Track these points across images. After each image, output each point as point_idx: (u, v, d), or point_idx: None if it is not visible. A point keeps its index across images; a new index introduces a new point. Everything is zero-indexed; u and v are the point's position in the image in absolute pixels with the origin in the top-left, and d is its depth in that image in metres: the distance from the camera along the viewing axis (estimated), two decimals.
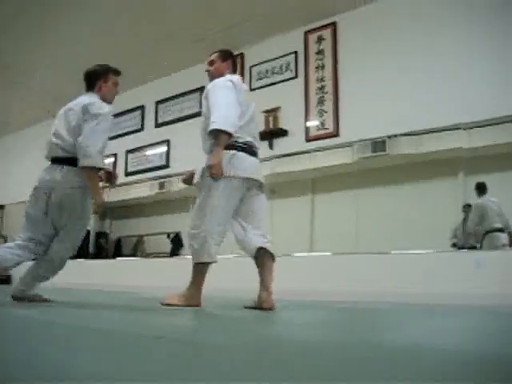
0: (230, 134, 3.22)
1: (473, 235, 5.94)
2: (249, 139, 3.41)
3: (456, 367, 1.27)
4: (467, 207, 5.97)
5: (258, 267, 3.41)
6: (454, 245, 5.98)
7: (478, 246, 5.83)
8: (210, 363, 1.26)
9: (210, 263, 3.32)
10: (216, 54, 3.73)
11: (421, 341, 1.86)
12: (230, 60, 3.77)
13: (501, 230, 5.67)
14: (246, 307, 3.44)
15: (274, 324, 2.70)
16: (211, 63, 3.71)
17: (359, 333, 2.20)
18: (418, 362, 1.34)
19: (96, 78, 3.61)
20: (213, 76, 3.64)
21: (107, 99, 3.58)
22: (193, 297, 3.31)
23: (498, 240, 5.62)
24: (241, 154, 3.34)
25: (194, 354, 1.43)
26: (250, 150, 3.40)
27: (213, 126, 3.21)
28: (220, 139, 3.21)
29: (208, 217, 3.29)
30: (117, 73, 3.73)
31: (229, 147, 3.30)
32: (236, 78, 3.56)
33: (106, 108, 3.45)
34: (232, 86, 3.38)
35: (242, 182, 3.34)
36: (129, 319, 2.63)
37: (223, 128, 3.19)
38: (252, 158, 3.41)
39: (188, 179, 3.65)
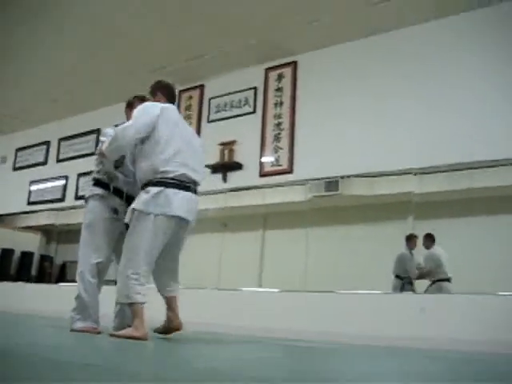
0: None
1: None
2: (182, 172, 3.32)
3: None
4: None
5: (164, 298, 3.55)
6: (397, 276, 6.10)
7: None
8: None
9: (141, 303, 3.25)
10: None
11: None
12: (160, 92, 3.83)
13: (449, 280, 5.81)
14: (154, 331, 3.51)
15: (207, 358, 2.64)
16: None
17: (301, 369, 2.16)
18: None
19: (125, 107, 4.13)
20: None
21: None
22: (137, 329, 3.21)
23: (447, 290, 5.75)
24: (169, 190, 3.25)
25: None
26: (181, 185, 3.31)
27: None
28: None
29: (134, 256, 3.23)
30: (142, 99, 3.87)
31: (156, 184, 3.26)
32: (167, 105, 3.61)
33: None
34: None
35: (168, 221, 3.26)
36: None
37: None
38: (184, 193, 3.32)
39: None
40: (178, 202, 3.27)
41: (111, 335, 3.29)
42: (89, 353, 2.44)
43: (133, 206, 3.29)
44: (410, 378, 2.13)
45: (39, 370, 1.57)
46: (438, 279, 5.89)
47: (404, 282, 6.04)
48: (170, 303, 3.50)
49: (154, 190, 3.24)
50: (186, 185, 3.33)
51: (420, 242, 6.07)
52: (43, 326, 4.44)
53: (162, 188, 3.24)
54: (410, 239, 6.13)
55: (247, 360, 2.61)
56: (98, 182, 3.76)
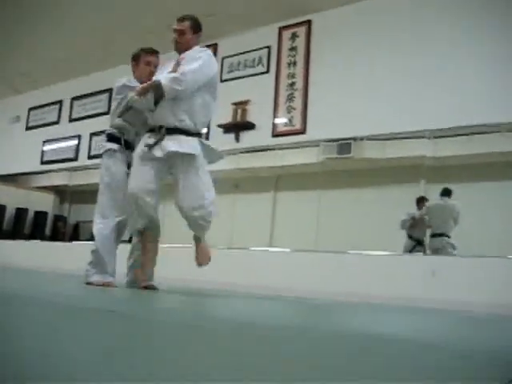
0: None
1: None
2: None
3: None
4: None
5: None
6: (410, 236, 6.11)
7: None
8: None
9: None
10: (188, 24, 3.56)
11: (362, 327, 1.85)
12: (200, 33, 3.67)
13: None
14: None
15: (230, 309, 2.68)
16: (182, 32, 3.54)
17: (314, 320, 2.19)
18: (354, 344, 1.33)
19: (131, 61, 3.97)
20: (181, 49, 3.56)
21: (140, 79, 3.68)
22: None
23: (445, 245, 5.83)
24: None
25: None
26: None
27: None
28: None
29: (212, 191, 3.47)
30: (148, 52, 3.85)
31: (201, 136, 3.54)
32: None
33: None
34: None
35: None
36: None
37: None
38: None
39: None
40: None
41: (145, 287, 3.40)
42: (114, 301, 2.49)
43: (195, 152, 3.38)
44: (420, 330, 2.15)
45: (67, 315, 1.60)
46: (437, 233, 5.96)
47: (415, 243, 6.05)
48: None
49: (207, 142, 3.57)
50: None
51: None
52: (61, 280, 4.50)
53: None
54: (421, 201, 6.11)
55: (261, 311, 2.65)
56: (111, 137, 3.76)
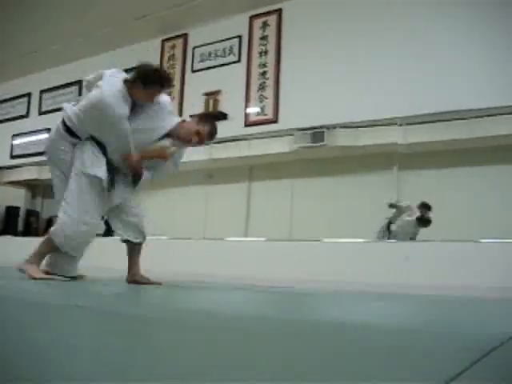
0: None
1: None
2: None
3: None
4: (393, 206, 6.12)
5: None
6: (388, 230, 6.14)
7: None
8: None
9: None
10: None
11: (340, 316, 1.86)
12: None
13: None
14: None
15: (203, 302, 2.67)
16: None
17: (292, 310, 2.19)
18: (340, 334, 1.33)
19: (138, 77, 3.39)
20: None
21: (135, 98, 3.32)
22: None
23: None
24: None
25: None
26: None
27: None
28: None
29: None
30: (163, 86, 3.37)
31: None
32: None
33: None
34: None
35: None
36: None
37: None
38: None
39: None
40: None
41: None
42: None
43: None
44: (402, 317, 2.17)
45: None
46: None
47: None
48: None
49: None
50: None
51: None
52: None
53: None
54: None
55: (240, 302, 2.64)
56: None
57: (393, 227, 6.14)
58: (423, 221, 5.85)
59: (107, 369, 0.75)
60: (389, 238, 6.00)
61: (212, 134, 3.45)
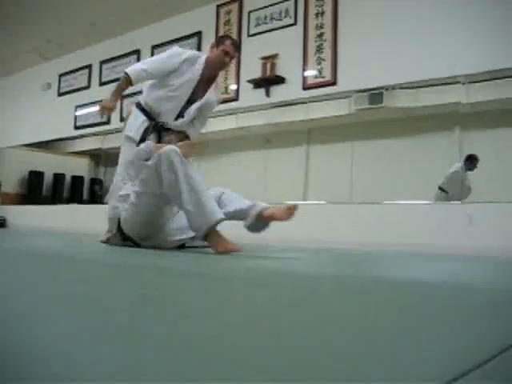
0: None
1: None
2: None
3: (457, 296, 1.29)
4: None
5: None
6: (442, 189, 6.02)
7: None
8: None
9: None
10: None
11: (420, 275, 1.88)
12: None
13: None
14: None
15: (273, 260, 2.73)
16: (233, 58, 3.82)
17: (360, 269, 2.23)
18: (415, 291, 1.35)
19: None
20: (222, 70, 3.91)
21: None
22: None
23: None
24: None
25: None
26: None
27: None
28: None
29: None
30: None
31: None
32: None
33: None
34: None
35: None
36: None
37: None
38: None
39: None
40: None
41: None
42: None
43: None
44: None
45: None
46: None
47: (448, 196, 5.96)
48: None
49: None
50: None
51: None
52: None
53: None
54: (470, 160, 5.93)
55: (298, 264, 2.70)
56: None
57: (443, 184, 6.03)
58: (468, 159, 5.78)
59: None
60: (447, 198, 5.89)
61: (234, 44, 3.72)
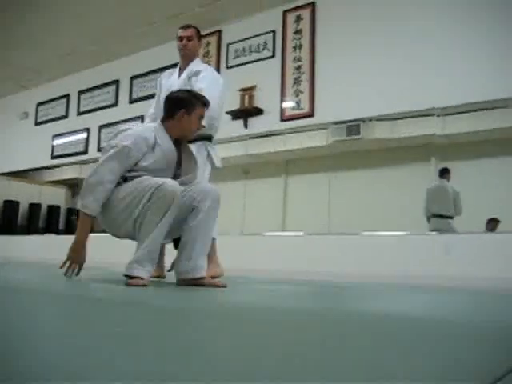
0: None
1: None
2: None
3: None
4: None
5: None
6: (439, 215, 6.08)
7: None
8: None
9: None
10: (194, 30, 3.70)
11: (389, 308, 1.87)
12: (201, 41, 3.91)
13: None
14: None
15: (247, 293, 2.70)
16: (189, 39, 3.65)
17: (333, 302, 2.21)
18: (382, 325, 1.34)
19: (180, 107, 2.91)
20: (189, 54, 3.66)
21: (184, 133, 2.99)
22: None
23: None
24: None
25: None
26: None
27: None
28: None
29: None
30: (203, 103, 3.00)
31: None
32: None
33: None
34: None
35: None
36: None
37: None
38: None
39: None
40: None
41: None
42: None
43: None
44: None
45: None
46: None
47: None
48: None
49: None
50: None
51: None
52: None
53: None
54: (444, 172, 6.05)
55: (277, 296, 2.67)
56: None
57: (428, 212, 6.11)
58: (442, 171, 5.98)
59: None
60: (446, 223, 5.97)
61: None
